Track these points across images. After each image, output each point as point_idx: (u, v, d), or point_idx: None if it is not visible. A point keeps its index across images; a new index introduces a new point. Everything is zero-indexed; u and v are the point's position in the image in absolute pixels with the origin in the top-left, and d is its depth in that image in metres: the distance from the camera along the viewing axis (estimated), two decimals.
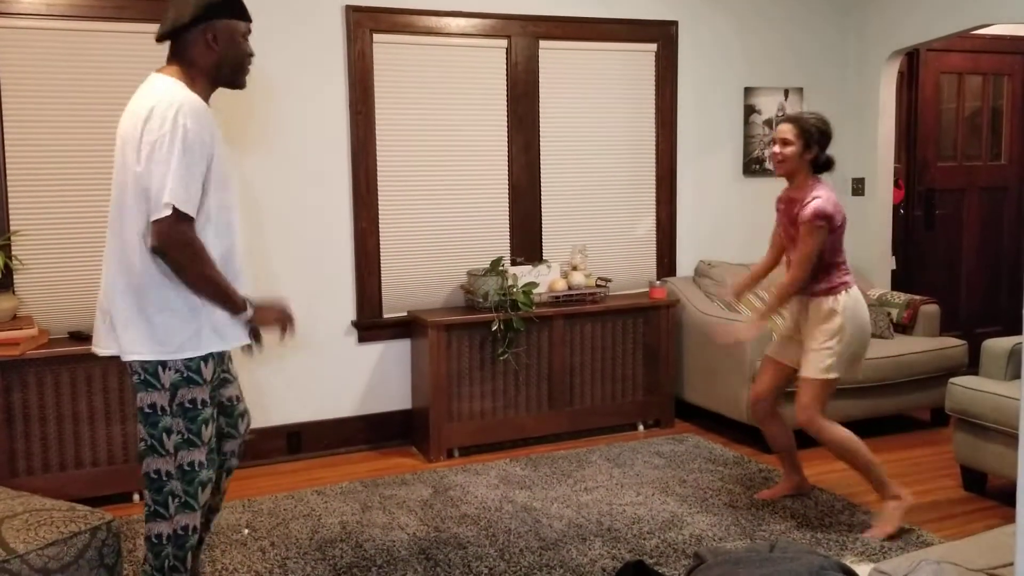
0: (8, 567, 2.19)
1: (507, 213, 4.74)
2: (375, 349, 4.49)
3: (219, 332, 2.41)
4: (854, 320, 3.35)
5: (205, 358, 2.40)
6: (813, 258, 3.31)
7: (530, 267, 4.60)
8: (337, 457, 4.40)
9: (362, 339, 4.46)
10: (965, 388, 3.75)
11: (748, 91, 5.22)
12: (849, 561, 2.98)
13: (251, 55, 2.53)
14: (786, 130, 3.38)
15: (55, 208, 3.89)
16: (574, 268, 4.69)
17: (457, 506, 3.68)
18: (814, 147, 3.38)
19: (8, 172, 3.81)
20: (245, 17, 2.49)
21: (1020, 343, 3.76)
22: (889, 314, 4.92)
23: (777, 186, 4.97)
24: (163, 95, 2.31)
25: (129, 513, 3.65)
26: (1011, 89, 6.00)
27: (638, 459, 4.24)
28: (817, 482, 3.90)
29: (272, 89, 4.21)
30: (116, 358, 2.44)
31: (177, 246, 2.27)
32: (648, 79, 5.00)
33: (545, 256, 4.77)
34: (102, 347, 2.47)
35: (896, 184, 5.61)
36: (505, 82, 4.67)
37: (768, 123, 5.27)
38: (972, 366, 4.30)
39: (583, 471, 4.09)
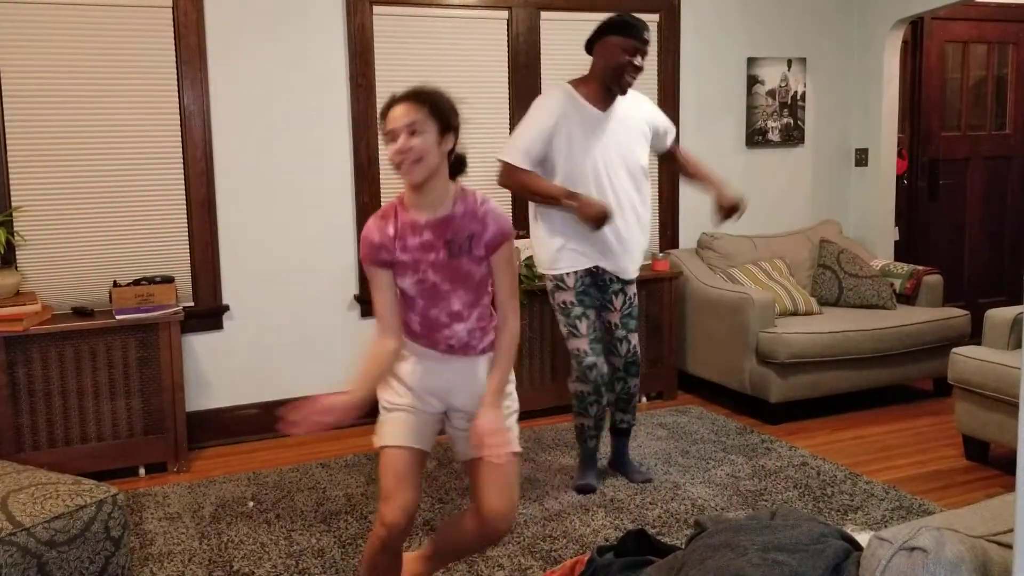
0: (15, 540, 2.21)
1: None
2: None
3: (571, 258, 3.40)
4: None
5: (568, 273, 3.41)
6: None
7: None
8: (342, 431, 4.40)
9: (365, 313, 4.46)
10: (968, 358, 3.75)
11: (751, 61, 5.17)
12: (850, 529, 2.99)
13: (627, 64, 3.25)
14: (411, 111, 2.15)
15: (56, 184, 3.89)
16: None
17: (461, 478, 3.69)
18: (452, 134, 2.22)
19: (9, 148, 3.80)
20: (626, 33, 3.24)
21: (1022, 313, 3.76)
22: (892, 285, 4.91)
23: (781, 156, 4.95)
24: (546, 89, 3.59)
25: (135, 487, 3.67)
26: (1016, 58, 5.95)
27: (641, 430, 4.25)
28: (818, 453, 3.92)
29: (273, 62, 4.18)
30: None
31: (508, 184, 3.37)
32: (650, 50, 4.95)
33: None
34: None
35: (900, 154, 5.58)
36: (506, 54, 4.64)
37: (771, 94, 5.23)
38: (975, 336, 4.30)
39: None
